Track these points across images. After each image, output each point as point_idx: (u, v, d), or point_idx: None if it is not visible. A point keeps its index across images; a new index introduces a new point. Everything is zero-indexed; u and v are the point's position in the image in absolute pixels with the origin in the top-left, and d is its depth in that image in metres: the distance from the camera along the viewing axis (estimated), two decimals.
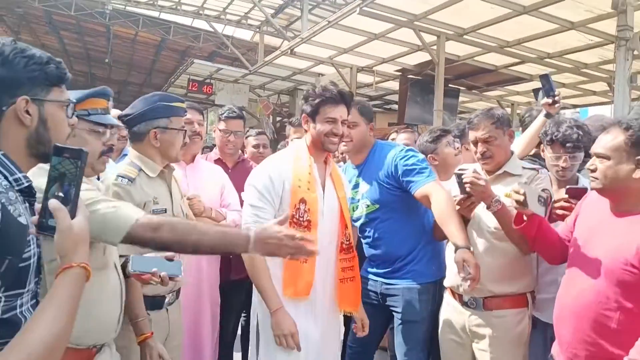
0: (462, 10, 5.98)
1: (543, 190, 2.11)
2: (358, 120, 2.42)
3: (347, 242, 2.19)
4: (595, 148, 1.73)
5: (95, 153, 1.58)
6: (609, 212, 1.77)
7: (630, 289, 1.61)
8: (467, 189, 2.05)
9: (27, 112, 1.10)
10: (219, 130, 3.07)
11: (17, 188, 1.08)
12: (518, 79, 8.62)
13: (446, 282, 2.34)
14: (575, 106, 10.84)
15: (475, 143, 2.24)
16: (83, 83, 19.75)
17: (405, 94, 8.32)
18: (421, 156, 2.41)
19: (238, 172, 2.95)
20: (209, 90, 11.78)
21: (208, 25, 12.13)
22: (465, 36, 6.79)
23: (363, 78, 9.20)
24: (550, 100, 2.57)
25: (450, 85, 8.47)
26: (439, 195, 2.18)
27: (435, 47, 6.82)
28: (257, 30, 12.09)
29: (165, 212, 2.02)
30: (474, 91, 9.70)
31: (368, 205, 2.44)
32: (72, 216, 0.99)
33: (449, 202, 2.15)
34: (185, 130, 2.12)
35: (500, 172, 2.23)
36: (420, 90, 8.24)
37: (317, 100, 2.09)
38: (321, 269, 2.07)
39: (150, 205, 1.96)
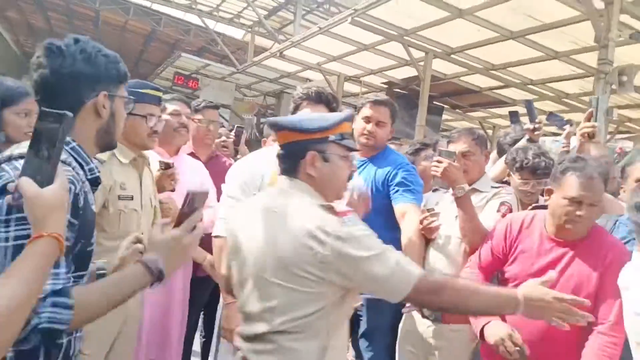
0: (451, 30, 6.08)
1: (502, 203, 2.25)
2: (387, 120, 2.50)
3: None
4: (595, 200, 1.80)
5: (344, 178, 1.52)
6: (551, 241, 1.90)
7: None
8: (439, 172, 2.13)
9: (104, 105, 1.25)
10: (196, 121, 2.99)
11: (88, 177, 1.20)
12: (501, 102, 8.78)
13: None
14: (555, 134, 11.06)
15: None
16: None
17: None
18: (421, 181, 2.47)
19: (212, 167, 2.94)
20: (195, 86, 11.70)
21: (200, 20, 12.06)
22: (452, 55, 6.90)
23: (349, 87, 9.26)
24: (532, 127, 2.65)
25: (434, 102, 8.59)
26: (413, 218, 2.28)
27: (422, 64, 6.91)
28: (249, 30, 12.07)
29: (132, 199, 1.99)
30: (457, 110, 9.85)
31: None
32: (50, 182, 0.92)
33: (417, 230, 2.26)
34: (158, 118, 2.08)
35: (469, 188, 2.28)
36: (405, 105, 8.33)
37: (297, 99, 2.14)
38: None
39: (116, 190, 1.94)
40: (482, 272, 2.05)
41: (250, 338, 1.39)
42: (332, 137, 1.45)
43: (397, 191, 2.36)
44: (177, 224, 1.19)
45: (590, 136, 2.22)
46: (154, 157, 2.56)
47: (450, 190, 2.18)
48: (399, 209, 2.33)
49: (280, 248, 1.32)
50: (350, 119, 1.53)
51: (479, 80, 7.82)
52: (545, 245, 1.90)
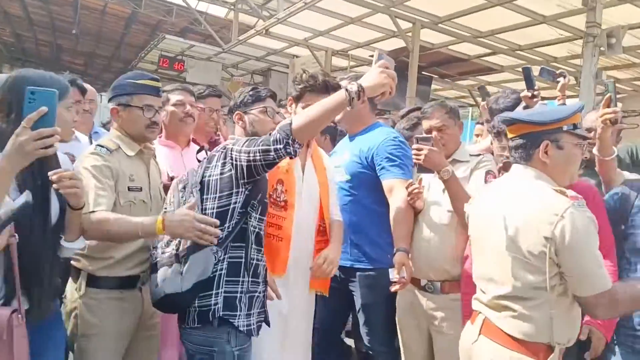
0: None
1: (488, 172, 2.29)
2: None
3: (324, 226, 2.23)
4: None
5: (577, 164, 1.70)
6: None
7: None
8: (421, 160, 2.19)
9: (240, 119, 2.05)
10: (199, 109, 2.87)
11: None
12: (489, 70, 8.75)
13: None
14: (544, 98, 11.08)
15: (429, 131, 2.37)
16: (47, 53, 18.96)
17: None
18: (410, 153, 2.37)
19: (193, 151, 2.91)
20: (181, 68, 11.52)
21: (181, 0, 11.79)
22: (440, 24, 6.84)
23: (338, 62, 9.17)
24: (529, 94, 2.63)
25: (423, 72, 8.53)
26: (400, 194, 2.29)
27: (410, 34, 6.85)
28: (232, 7, 11.83)
29: (141, 190, 2.01)
30: (446, 79, 9.80)
31: (343, 175, 2.49)
32: None
33: (406, 204, 2.28)
34: (157, 111, 2.06)
35: (449, 159, 2.34)
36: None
37: (301, 86, 2.14)
38: (298, 248, 2.11)
39: (126, 182, 1.96)
40: None
41: (492, 305, 1.64)
42: (565, 127, 1.60)
43: (383, 167, 2.37)
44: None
45: (613, 122, 2.14)
46: (163, 151, 2.54)
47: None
48: (386, 184, 2.35)
49: (515, 225, 1.55)
50: (581, 110, 1.66)
51: (467, 48, 7.77)
52: None
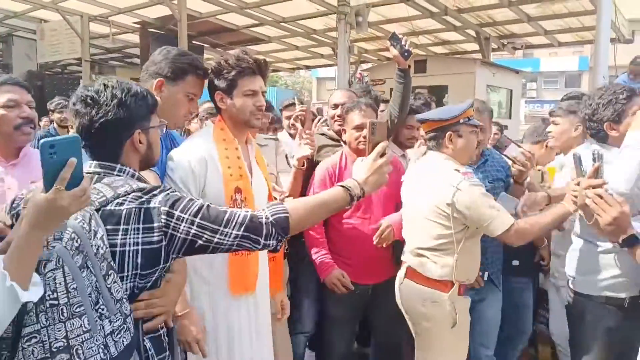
0: None
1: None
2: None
3: None
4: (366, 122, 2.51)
5: (473, 146, 2.22)
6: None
7: None
8: None
9: (140, 141, 1.34)
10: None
11: None
12: (258, 40, 9.07)
13: None
14: (307, 67, 12.06)
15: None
16: None
17: (148, 49, 7.85)
18: None
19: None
20: None
21: None
22: None
23: (97, 28, 8.30)
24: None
25: (194, 42, 8.37)
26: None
27: (175, 2, 6.60)
28: None
29: None
30: (217, 49, 9.80)
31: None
32: None
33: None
34: None
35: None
36: (163, 46, 7.89)
37: (233, 73, 1.87)
38: (263, 257, 1.94)
39: None
40: None
41: (413, 255, 2.19)
42: (462, 120, 2.12)
43: None
44: (370, 152, 1.49)
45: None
46: None
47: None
48: None
49: (427, 196, 2.11)
50: (471, 107, 2.18)
51: (236, 19, 7.89)
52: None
